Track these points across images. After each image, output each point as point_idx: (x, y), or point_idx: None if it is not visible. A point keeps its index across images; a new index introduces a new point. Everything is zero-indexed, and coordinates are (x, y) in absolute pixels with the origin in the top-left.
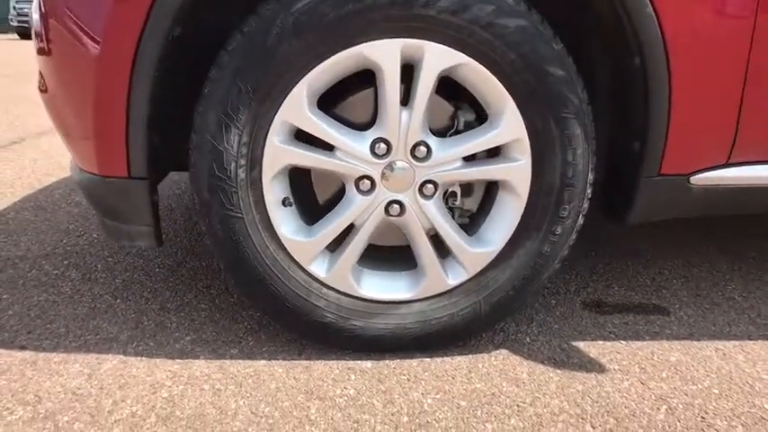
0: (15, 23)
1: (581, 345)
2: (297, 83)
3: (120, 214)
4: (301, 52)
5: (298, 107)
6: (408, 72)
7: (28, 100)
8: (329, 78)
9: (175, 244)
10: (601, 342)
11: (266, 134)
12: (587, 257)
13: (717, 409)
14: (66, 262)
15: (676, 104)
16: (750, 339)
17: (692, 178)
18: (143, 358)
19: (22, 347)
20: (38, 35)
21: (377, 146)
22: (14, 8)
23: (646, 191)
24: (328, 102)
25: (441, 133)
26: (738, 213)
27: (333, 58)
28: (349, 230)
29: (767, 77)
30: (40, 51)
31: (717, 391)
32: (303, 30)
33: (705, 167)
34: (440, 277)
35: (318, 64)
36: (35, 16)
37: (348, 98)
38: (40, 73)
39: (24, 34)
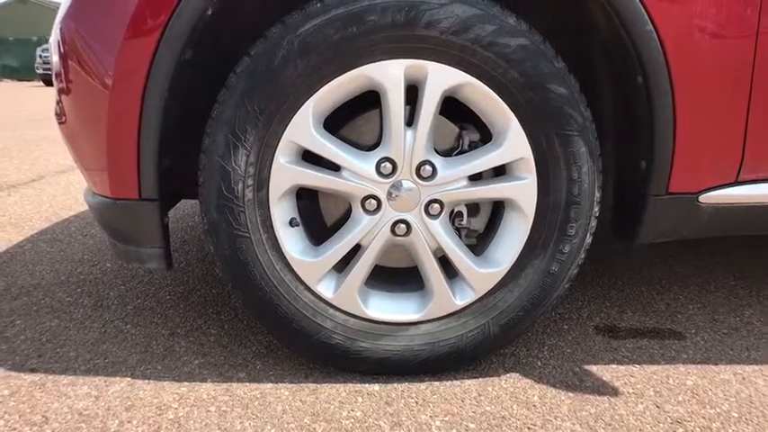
0: (41, 71)
1: (594, 368)
2: (303, 104)
3: (131, 236)
4: (307, 73)
5: (304, 127)
6: (413, 92)
7: (49, 140)
8: (335, 99)
9: (187, 272)
10: (614, 366)
11: (273, 154)
12: (600, 283)
13: None
14: (78, 290)
15: (681, 122)
16: None
17: (701, 197)
18: (150, 381)
19: (33, 370)
20: (57, 75)
21: (382, 165)
22: (41, 56)
23: (654, 210)
24: (335, 123)
25: (446, 154)
26: (751, 233)
27: (338, 79)
28: (356, 251)
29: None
30: (60, 91)
31: (736, 415)
32: (309, 51)
33: (714, 186)
34: (448, 298)
35: (324, 85)
36: (54, 58)
37: (354, 119)
38: (57, 102)
39: (48, 81)
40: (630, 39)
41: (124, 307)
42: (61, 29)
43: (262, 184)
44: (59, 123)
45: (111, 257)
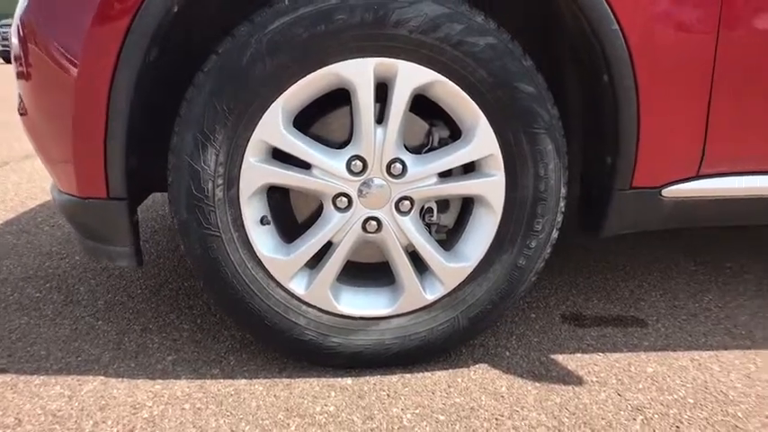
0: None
1: (560, 357)
2: (272, 102)
3: (100, 235)
4: (276, 72)
5: (274, 126)
6: (383, 90)
7: (11, 124)
8: (305, 97)
9: (158, 265)
10: (579, 354)
11: (243, 153)
12: (567, 271)
13: (691, 418)
14: (48, 285)
15: (645, 119)
16: (726, 349)
17: (663, 191)
18: (124, 379)
19: (3, 370)
20: (17, 59)
21: (353, 163)
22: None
23: (619, 204)
24: (305, 120)
25: (416, 150)
26: (711, 225)
27: (308, 77)
28: (327, 248)
29: (731, 92)
30: (20, 75)
31: (692, 401)
32: (277, 50)
33: (676, 180)
34: (418, 293)
35: (294, 83)
36: (14, 40)
37: (324, 117)
38: (20, 96)
39: (8, 58)
40: (597, 38)
41: (95, 302)
42: (22, 16)
43: (232, 183)
44: (21, 115)
45: (79, 250)
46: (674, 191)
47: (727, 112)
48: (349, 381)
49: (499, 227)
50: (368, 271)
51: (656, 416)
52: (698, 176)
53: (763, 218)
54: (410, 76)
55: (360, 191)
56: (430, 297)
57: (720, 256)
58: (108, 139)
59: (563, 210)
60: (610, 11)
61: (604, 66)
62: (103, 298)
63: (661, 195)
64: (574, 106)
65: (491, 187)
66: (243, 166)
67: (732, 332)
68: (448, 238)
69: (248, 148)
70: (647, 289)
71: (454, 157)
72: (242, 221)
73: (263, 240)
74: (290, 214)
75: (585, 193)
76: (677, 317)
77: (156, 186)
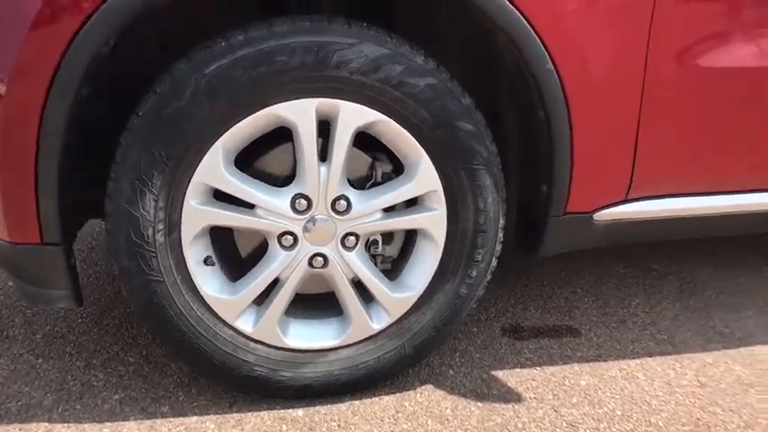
0: None
1: (500, 374)
2: (212, 144)
3: (36, 280)
4: (215, 114)
5: (214, 168)
6: (326, 126)
7: None
8: (246, 137)
9: (98, 289)
10: (518, 370)
11: (184, 197)
12: (506, 279)
13: (619, 431)
14: None
15: (577, 151)
16: (650, 356)
17: (594, 215)
18: (70, 424)
19: None
20: None
21: (297, 202)
22: None
23: (554, 228)
24: (247, 157)
25: (360, 184)
26: (639, 242)
27: (248, 119)
28: (274, 284)
29: (657, 126)
30: None
31: (620, 413)
32: (216, 93)
33: (607, 205)
34: (365, 323)
35: (234, 125)
36: None
37: (267, 153)
38: None
39: None
40: (533, 77)
41: (33, 336)
42: None
43: (173, 227)
44: None
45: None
46: (604, 214)
47: (653, 143)
48: (300, 412)
49: (442, 258)
50: (315, 301)
51: (588, 431)
52: (626, 200)
53: (686, 234)
54: (352, 116)
55: (305, 228)
56: (377, 327)
57: (647, 258)
58: (39, 181)
59: (501, 239)
60: (545, 51)
61: (540, 102)
62: (41, 330)
63: (593, 219)
64: (512, 139)
65: (433, 221)
66: (184, 210)
67: (656, 337)
68: (393, 267)
69: (189, 191)
70: (580, 295)
71: (398, 193)
72: (185, 264)
73: (208, 281)
74: (234, 250)
75: (522, 219)
76: (608, 324)
77: (93, 213)
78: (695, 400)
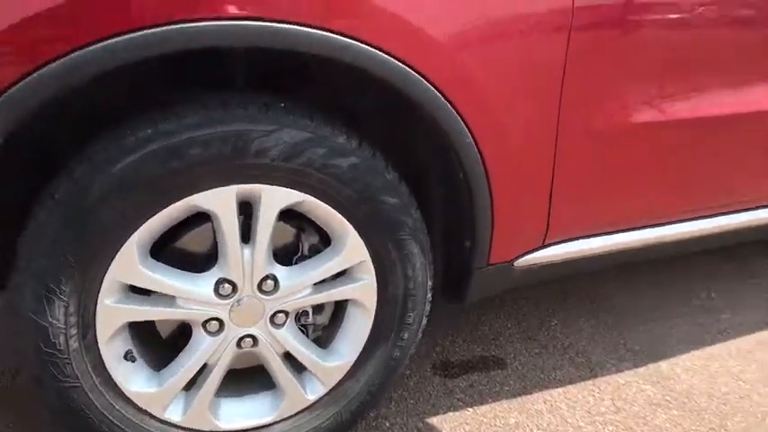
0: None
1: (435, 420)
2: (125, 241)
3: None
4: (127, 212)
5: (128, 265)
6: (248, 206)
7: None
8: (162, 227)
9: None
10: (451, 414)
11: (97, 297)
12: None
13: None
14: None
15: (498, 211)
16: (571, 383)
17: (515, 263)
18: None
19: None
20: None
21: (221, 287)
22: None
23: (478, 279)
24: (164, 239)
25: (286, 257)
26: (557, 279)
27: (163, 211)
28: (202, 368)
29: (569, 180)
30: None
31: None
32: (126, 190)
33: (526, 252)
34: (299, 395)
35: (148, 219)
36: None
37: (185, 235)
38: None
39: None
40: (455, 149)
41: None
42: None
43: (87, 330)
44: None
45: None
46: (524, 261)
47: (565, 195)
48: None
49: (373, 324)
50: (246, 374)
51: None
52: (544, 246)
53: (599, 267)
54: (275, 200)
55: (231, 312)
56: (311, 397)
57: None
58: None
59: (430, 299)
60: (465, 126)
61: (462, 173)
62: None
63: (513, 266)
64: (436, 201)
65: (363, 291)
66: (98, 311)
67: (575, 361)
68: (324, 334)
69: (102, 290)
70: (503, 320)
71: (326, 268)
72: (103, 365)
73: (131, 378)
74: (157, 336)
75: (447, 272)
76: (531, 350)
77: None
78: (613, 428)
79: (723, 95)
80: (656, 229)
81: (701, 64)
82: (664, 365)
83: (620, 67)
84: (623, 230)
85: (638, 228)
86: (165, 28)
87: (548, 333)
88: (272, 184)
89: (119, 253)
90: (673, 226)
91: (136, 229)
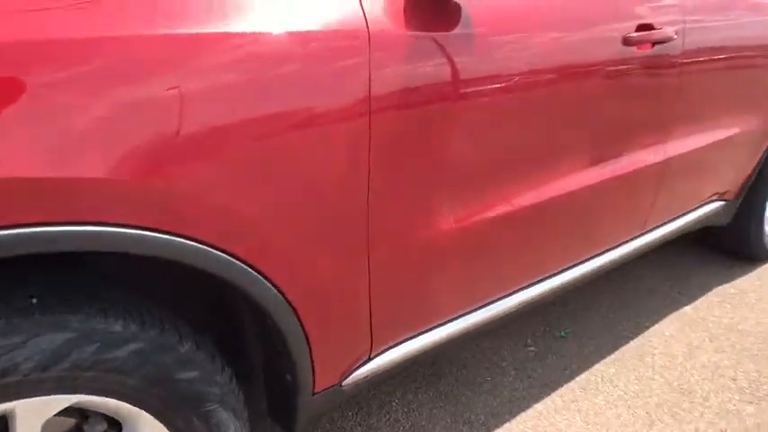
0: None
1: None
2: None
3: None
4: None
5: None
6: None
7: None
8: None
9: None
10: None
11: None
12: None
13: None
14: None
15: (315, 343)
16: None
17: (343, 383)
18: None
19: None
20: None
21: None
22: None
23: (306, 407)
24: None
25: None
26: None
27: None
28: None
29: (386, 300)
30: None
31: None
32: None
33: (352, 371)
34: None
35: None
36: None
37: None
38: None
39: None
40: (261, 305)
41: None
42: None
43: None
44: None
45: None
46: (352, 378)
47: (385, 309)
48: None
49: None
50: None
51: None
52: (370, 359)
53: (427, 356)
54: (36, 412)
55: None
56: None
57: None
58: None
59: None
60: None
61: (270, 318)
62: None
63: (342, 387)
64: (253, 346)
65: None
66: None
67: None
68: None
69: None
70: (351, 403)
71: None
72: None
73: None
74: None
75: (274, 401)
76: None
77: None
78: None
79: (530, 188)
80: (477, 312)
81: (509, 161)
82: None
83: (422, 180)
84: (447, 322)
85: (461, 316)
86: None
87: (389, 416)
88: (28, 398)
89: None
90: (492, 305)
91: None
